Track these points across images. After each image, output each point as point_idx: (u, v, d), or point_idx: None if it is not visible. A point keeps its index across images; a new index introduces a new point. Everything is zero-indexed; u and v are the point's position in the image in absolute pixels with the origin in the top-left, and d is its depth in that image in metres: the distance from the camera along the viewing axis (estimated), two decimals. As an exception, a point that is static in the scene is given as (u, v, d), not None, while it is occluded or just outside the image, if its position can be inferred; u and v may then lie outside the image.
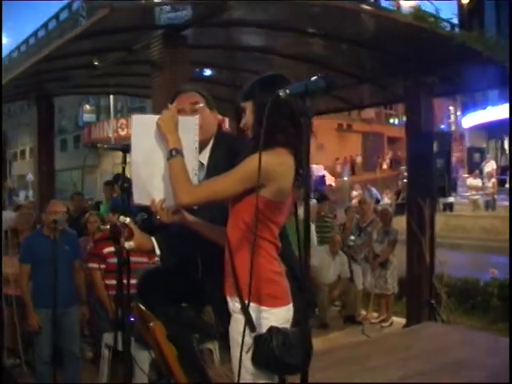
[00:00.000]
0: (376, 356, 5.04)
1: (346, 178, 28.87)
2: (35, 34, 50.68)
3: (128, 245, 2.86)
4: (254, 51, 8.50)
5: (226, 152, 3.02)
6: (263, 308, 2.54)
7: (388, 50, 7.72)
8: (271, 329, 2.47)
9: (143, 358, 4.65)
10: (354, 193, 24.85)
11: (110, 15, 5.36)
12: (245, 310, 2.51)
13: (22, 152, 49.27)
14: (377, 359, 4.94)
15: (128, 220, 2.88)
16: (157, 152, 2.80)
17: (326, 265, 8.96)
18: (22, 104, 37.84)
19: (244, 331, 2.46)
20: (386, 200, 22.63)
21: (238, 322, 2.56)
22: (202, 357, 3.71)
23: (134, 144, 2.86)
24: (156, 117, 2.80)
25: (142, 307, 3.12)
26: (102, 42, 6.97)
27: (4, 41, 37.25)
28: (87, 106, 42.20)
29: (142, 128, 2.85)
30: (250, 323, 2.50)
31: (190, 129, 2.83)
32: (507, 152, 27.47)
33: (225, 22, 6.99)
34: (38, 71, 8.34)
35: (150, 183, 2.84)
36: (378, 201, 22.72)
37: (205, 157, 3.14)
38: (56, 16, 46.92)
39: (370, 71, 8.62)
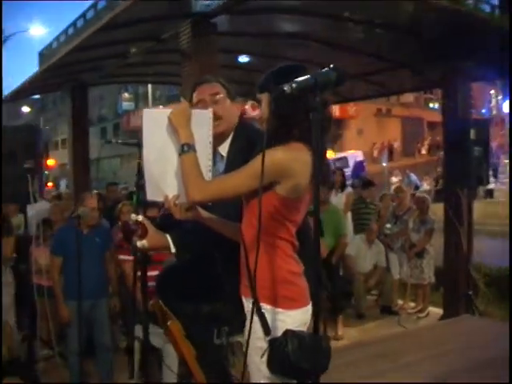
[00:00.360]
0: (409, 351, 4.93)
1: (384, 164, 28.53)
2: (74, 24, 51.16)
3: (141, 244, 2.77)
4: (290, 38, 8.39)
5: (245, 143, 2.92)
6: (279, 310, 2.44)
7: (424, 34, 7.52)
8: (287, 332, 2.36)
9: (172, 352, 4.62)
10: (394, 179, 24.54)
11: (134, 6, 5.31)
12: (258, 312, 2.41)
13: (63, 141, 49.89)
14: (410, 355, 4.83)
15: (141, 218, 2.80)
16: (169, 147, 2.71)
17: (362, 254, 8.82)
18: (63, 94, 38.30)
19: (249, 333, 2.36)
20: (425, 186, 22.31)
21: (253, 325, 2.44)
22: (232, 350, 3.61)
23: (145, 139, 2.78)
24: (168, 111, 2.71)
25: (162, 304, 3.06)
26: (131, 31, 6.95)
27: (43, 31, 37.61)
28: (126, 94, 42.50)
29: (154, 123, 2.76)
30: (264, 326, 2.40)
31: (203, 122, 2.74)
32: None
33: (260, 9, 6.92)
34: (70, 62, 8.38)
35: (163, 179, 2.75)
36: (417, 187, 22.41)
37: (225, 148, 3.06)
38: (94, 5, 47.29)
39: (407, 56, 8.45)
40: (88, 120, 11.56)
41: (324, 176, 2.52)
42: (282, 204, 2.45)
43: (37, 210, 7.21)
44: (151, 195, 2.83)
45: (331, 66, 2.15)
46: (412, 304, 9.01)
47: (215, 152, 3.10)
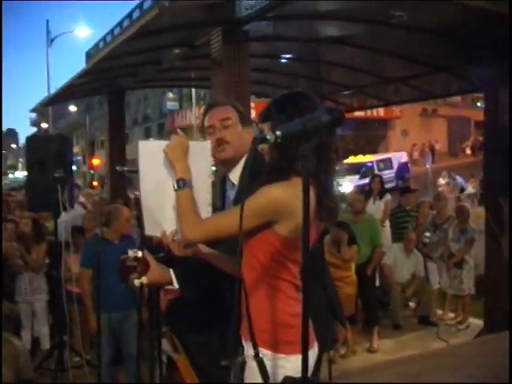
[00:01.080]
0: (443, 372, 4.71)
1: (428, 166, 27.99)
2: (120, 24, 51.57)
3: (138, 282, 2.63)
4: (330, 43, 8.28)
5: (256, 172, 2.77)
6: (280, 356, 2.28)
7: (464, 37, 7.29)
8: (286, 379, 2.20)
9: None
10: (441, 181, 23.88)
11: (160, 15, 5.25)
12: (256, 357, 2.28)
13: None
14: (443, 376, 4.61)
15: (140, 254, 2.65)
16: (167, 181, 2.58)
17: (400, 263, 8.60)
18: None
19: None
20: (471, 189, 21.68)
21: (252, 370, 2.32)
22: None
23: (142, 172, 2.67)
24: (164, 143, 2.60)
25: (172, 336, 2.95)
26: (163, 38, 6.93)
27: (88, 32, 37.91)
28: (170, 94, 42.58)
29: (150, 155, 2.65)
30: (262, 372, 2.26)
31: (202, 154, 2.63)
32: None
33: (297, 15, 6.83)
34: (105, 68, 8.40)
35: (161, 214, 2.64)
36: (462, 189, 21.82)
37: (235, 176, 2.92)
38: (140, 5, 47.55)
39: (448, 60, 8.24)
40: (125, 124, 11.62)
41: (329, 212, 2.35)
42: (283, 244, 2.29)
43: (70, 216, 7.24)
44: (149, 230, 2.72)
45: (326, 107, 1.97)
46: (451, 315, 8.72)
47: (225, 180, 2.99)
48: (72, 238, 6.68)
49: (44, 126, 51.37)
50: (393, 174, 29.90)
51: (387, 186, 27.89)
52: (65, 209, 6.04)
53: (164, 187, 2.60)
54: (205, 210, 2.59)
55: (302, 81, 10.49)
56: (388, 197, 9.77)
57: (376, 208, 9.34)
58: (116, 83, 10.10)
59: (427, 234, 8.99)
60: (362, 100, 13.01)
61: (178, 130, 2.74)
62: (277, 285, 2.32)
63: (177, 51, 7.71)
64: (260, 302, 2.31)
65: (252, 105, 33.24)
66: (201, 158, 2.62)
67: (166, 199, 2.59)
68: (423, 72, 9.07)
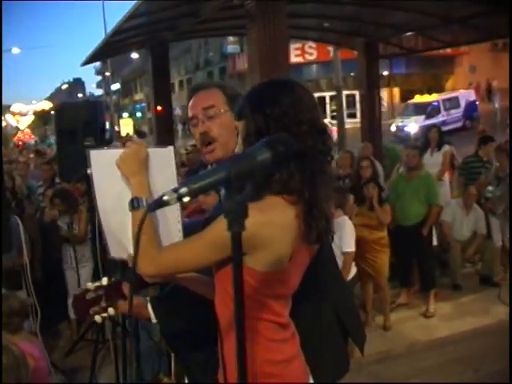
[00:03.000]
0: (493, 355, 4.28)
1: (496, 106, 26.56)
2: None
3: (99, 318, 2.22)
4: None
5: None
6: None
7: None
8: None
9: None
10: (512, 121, 22.50)
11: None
12: None
13: (172, 85, 50.45)
14: (493, 361, 4.19)
15: (105, 280, 2.24)
16: (126, 196, 2.14)
17: (459, 220, 8.06)
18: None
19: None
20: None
21: None
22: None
23: (98, 187, 2.24)
24: (118, 152, 2.15)
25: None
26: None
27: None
28: (231, 38, 41.85)
29: (105, 167, 2.21)
30: None
31: (165, 163, 2.20)
32: None
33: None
34: (143, 23, 8.11)
35: (124, 233, 2.20)
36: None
37: None
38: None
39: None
40: (169, 76, 11.45)
41: (319, 235, 1.87)
42: (258, 280, 1.83)
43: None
44: (113, 252, 2.32)
45: (264, 139, 1.49)
46: (516, 274, 8.16)
47: None
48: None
49: (108, 74, 51.59)
50: (460, 114, 28.81)
51: (454, 126, 27.03)
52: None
53: (123, 204, 2.14)
54: (175, 228, 2.19)
55: (361, 24, 9.98)
56: (447, 148, 9.16)
57: (434, 161, 8.79)
58: (158, 36, 9.74)
59: (490, 187, 8.36)
60: (426, 41, 12.34)
61: (134, 136, 2.33)
62: (255, 327, 1.88)
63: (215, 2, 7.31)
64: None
65: (313, 45, 32.13)
66: (164, 167, 2.20)
67: (127, 217, 2.12)
68: (488, 11, 8.40)
